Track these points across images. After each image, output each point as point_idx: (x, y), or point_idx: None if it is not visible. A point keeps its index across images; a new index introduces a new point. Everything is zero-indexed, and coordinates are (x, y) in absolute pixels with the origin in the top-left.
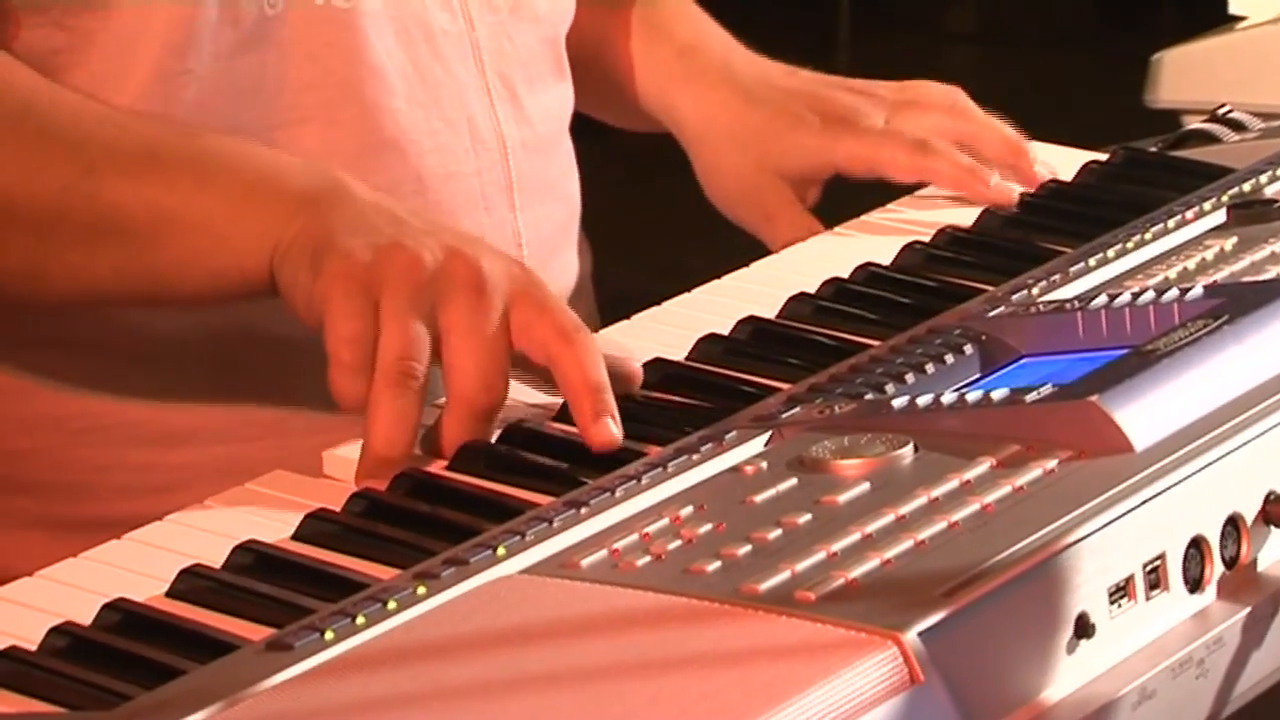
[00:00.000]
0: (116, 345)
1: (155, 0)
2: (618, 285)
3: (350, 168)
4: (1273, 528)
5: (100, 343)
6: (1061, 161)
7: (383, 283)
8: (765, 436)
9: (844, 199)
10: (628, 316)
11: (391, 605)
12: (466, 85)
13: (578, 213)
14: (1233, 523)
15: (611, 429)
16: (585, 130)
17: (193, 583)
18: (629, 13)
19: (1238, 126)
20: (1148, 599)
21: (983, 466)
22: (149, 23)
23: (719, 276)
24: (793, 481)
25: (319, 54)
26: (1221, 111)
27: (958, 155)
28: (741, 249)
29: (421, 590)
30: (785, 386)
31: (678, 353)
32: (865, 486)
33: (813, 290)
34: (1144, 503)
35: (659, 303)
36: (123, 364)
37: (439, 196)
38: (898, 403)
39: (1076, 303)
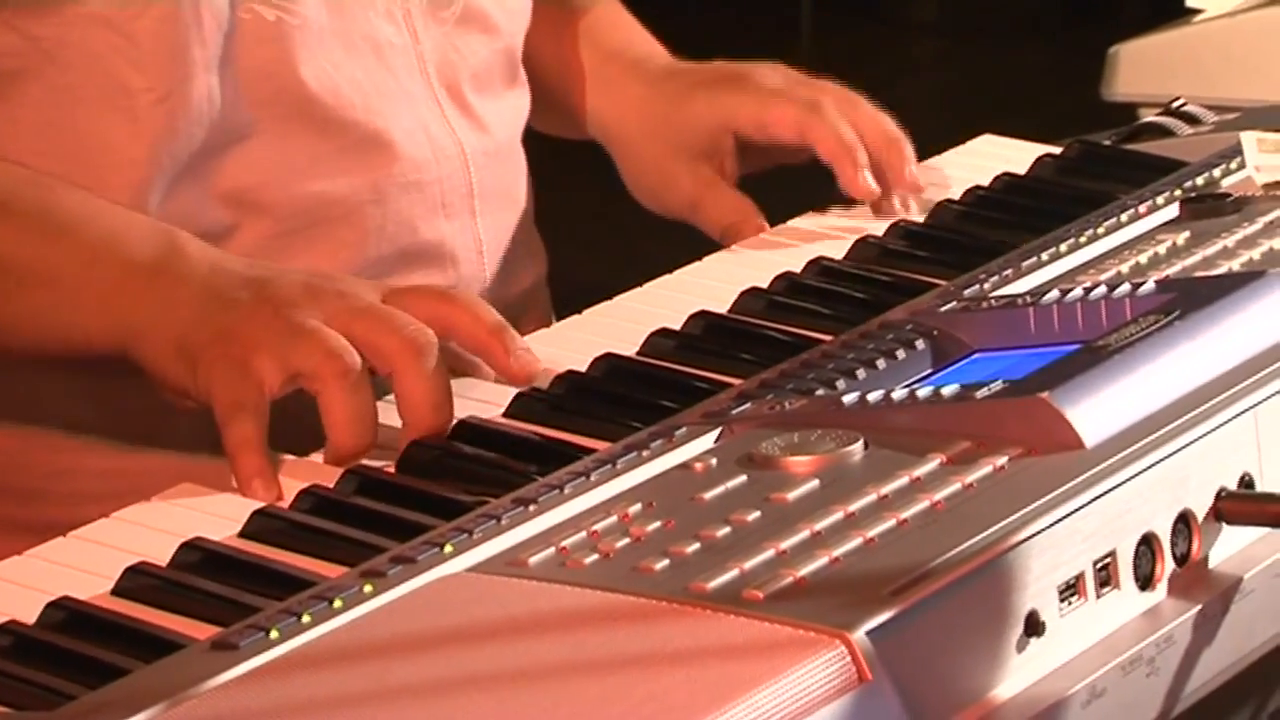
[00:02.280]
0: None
1: (121, 18)
2: (577, 278)
3: (305, 180)
4: (1224, 524)
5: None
6: (1016, 155)
7: (258, 348)
8: (715, 433)
9: (801, 194)
10: (584, 310)
11: (338, 604)
12: (416, 96)
13: (531, 216)
14: (1184, 520)
15: (529, 359)
16: None
17: (138, 581)
18: (557, 18)
19: (1191, 120)
20: (1098, 597)
21: (933, 463)
22: (113, 40)
23: (679, 269)
24: (742, 479)
25: (271, 70)
26: (1175, 105)
27: (844, 128)
28: (701, 241)
29: (368, 588)
30: (736, 382)
31: (629, 347)
32: (815, 484)
33: (765, 284)
34: (1094, 500)
35: (619, 294)
36: (79, 371)
37: (398, 205)
38: (848, 399)
39: (1028, 298)
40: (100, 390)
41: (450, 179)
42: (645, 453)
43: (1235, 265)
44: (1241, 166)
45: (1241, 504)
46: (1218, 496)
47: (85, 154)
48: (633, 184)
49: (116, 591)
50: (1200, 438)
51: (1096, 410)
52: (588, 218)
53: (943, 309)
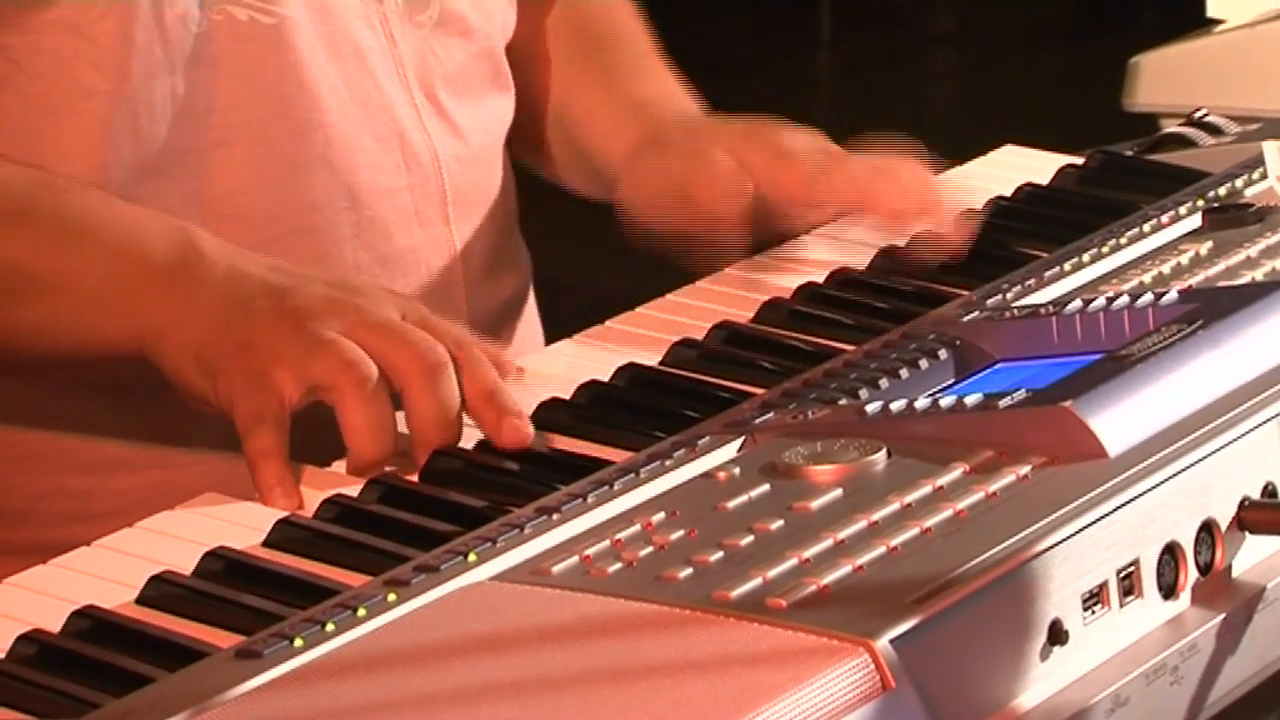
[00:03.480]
0: (49, 374)
1: (84, 21)
2: (600, 288)
3: (281, 185)
4: (1248, 533)
5: (33, 372)
6: (1038, 165)
7: (278, 360)
8: (738, 442)
9: None
10: (606, 319)
11: (362, 612)
12: (394, 100)
13: (515, 225)
14: (1207, 529)
15: (518, 426)
16: None
17: (162, 590)
18: (589, 66)
19: (1214, 130)
20: (1122, 605)
21: (956, 472)
22: (77, 44)
23: (702, 278)
24: (765, 487)
25: (248, 72)
26: (1198, 115)
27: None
28: None
29: (392, 597)
30: (759, 391)
31: (652, 357)
32: (838, 492)
33: (788, 295)
34: (1118, 509)
35: (643, 303)
36: (57, 393)
37: (372, 212)
38: (871, 408)
39: (1051, 307)
40: (81, 411)
41: (423, 185)
42: (668, 462)
43: (1258, 275)
44: (1264, 177)
45: (1265, 513)
46: (1241, 505)
47: (51, 159)
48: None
49: (141, 600)
50: (1223, 447)
51: (1119, 419)
52: (610, 228)
53: (965, 319)
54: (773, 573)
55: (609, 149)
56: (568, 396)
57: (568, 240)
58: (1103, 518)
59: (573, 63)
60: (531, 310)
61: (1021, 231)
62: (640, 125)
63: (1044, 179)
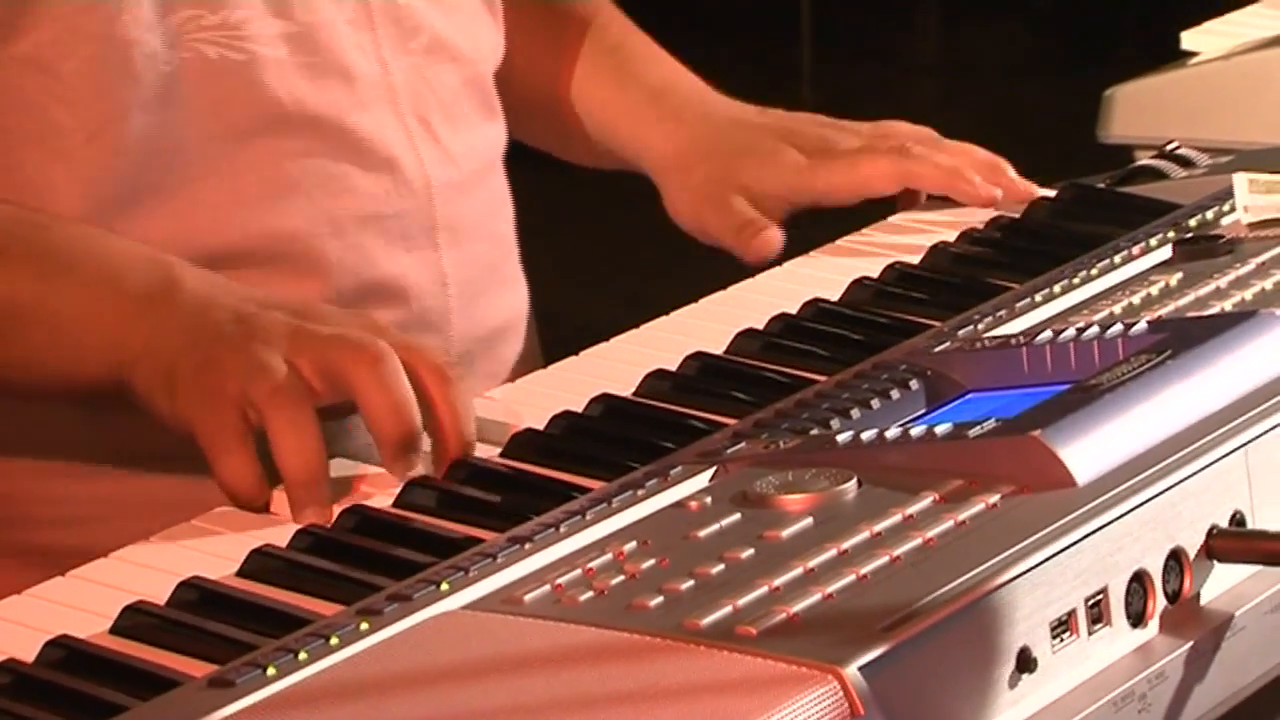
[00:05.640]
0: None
1: (50, 59)
2: (584, 317)
3: (257, 216)
4: (1215, 561)
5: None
6: None
7: (227, 382)
8: (710, 472)
9: (800, 232)
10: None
11: (334, 641)
12: (386, 127)
13: (513, 251)
14: (1175, 557)
15: (461, 432)
16: (550, 163)
17: (136, 619)
18: (587, 58)
19: (1185, 163)
20: (1090, 633)
21: (925, 501)
22: (45, 82)
23: (679, 310)
24: (736, 516)
25: (219, 108)
26: (1170, 148)
27: (939, 157)
28: (708, 280)
29: (365, 626)
30: (731, 422)
31: (625, 388)
32: (808, 521)
33: (761, 326)
34: (1086, 537)
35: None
36: (34, 399)
37: (357, 239)
38: (842, 438)
39: (1022, 338)
40: (88, 417)
41: (411, 212)
42: (640, 491)
43: (1227, 306)
44: (1234, 209)
45: (1233, 541)
46: (1209, 534)
47: (25, 195)
48: (677, 206)
49: (115, 630)
50: (1191, 475)
51: (1088, 448)
52: (590, 259)
53: (937, 349)
54: (743, 601)
55: (638, 140)
56: (541, 427)
57: (552, 269)
58: (1071, 546)
59: (568, 48)
60: (530, 335)
61: (993, 262)
62: (674, 123)
63: (1016, 212)
